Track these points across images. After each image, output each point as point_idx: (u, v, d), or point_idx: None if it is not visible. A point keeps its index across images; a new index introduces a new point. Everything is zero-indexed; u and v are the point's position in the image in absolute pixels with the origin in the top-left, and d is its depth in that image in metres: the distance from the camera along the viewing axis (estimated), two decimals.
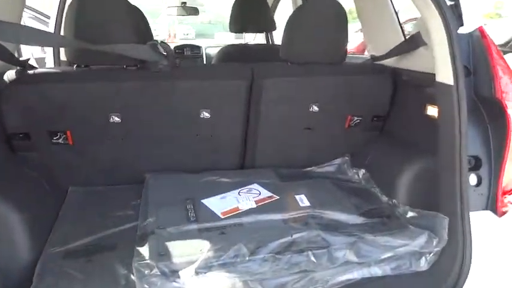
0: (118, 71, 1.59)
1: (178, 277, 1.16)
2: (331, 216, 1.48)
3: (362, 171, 1.85)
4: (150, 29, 2.21)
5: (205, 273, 1.18)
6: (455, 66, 1.25)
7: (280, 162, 1.90)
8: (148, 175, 1.72)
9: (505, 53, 5.33)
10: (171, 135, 1.72)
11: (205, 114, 1.69)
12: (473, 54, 1.34)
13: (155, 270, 1.16)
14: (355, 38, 6.25)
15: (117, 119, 1.60)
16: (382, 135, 1.96)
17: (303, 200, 1.57)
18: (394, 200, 1.60)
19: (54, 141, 1.60)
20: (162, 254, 1.22)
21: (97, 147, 1.68)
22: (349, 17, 1.87)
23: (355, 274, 1.28)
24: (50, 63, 2.56)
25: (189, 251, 1.25)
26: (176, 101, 1.65)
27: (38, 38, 1.36)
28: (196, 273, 1.17)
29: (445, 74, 1.30)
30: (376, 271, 1.30)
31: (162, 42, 1.58)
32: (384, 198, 1.65)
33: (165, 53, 1.54)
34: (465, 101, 1.24)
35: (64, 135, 1.60)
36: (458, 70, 1.25)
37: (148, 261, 1.19)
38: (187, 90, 1.65)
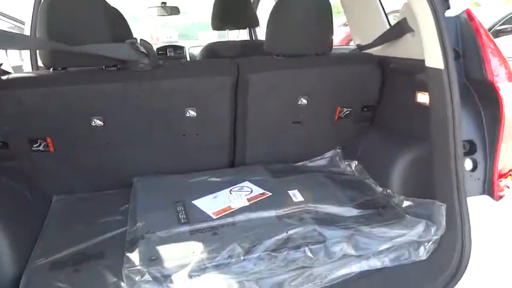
0: (97, 72, 1.53)
1: (171, 281, 1.12)
2: (326, 210, 1.45)
3: (354, 163, 1.82)
4: (129, 28, 2.14)
5: (199, 276, 1.14)
6: (445, 50, 1.23)
7: (271, 158, 1.86)
8: (136, 178, 1.67)
9: None
10: (157, 136, 1.67)
11: (191, 113, 1.64)
12: (461, 37, 1.32)
13: (146, 276, 1.12)
14: (338, 32, 6.26)
15: (99, 122, 1.55)
16: (373, 126, 1.93)
17: (296, 195, 1.53)
18: (388, 190, 1.58)
19: (34, 148, 1.53)
20: (153, 259, 1.18)
21: (80, 152, 1.61)
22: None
23: (354, 268, 1.25)
24: (27, 70, 2.48)
25: (181, 254, 1.21)
26: (160, 100, 1.60)
27: (9, 41, 1.30)
28: (190, 276, 1.13)
29: (434, 59, 1.28)
30: (375, 263, 1.27)
31: (142, 40, 1.53)
32: (378, 189, 1.63)
33: (145, 52, 1.49)
34: (457, 84, 1.22)
35: (44, 142, 1.53)
36: (448, 53, 1.23)
37: (139, 267, 1.15)
38: (171, 88, 1.60)
